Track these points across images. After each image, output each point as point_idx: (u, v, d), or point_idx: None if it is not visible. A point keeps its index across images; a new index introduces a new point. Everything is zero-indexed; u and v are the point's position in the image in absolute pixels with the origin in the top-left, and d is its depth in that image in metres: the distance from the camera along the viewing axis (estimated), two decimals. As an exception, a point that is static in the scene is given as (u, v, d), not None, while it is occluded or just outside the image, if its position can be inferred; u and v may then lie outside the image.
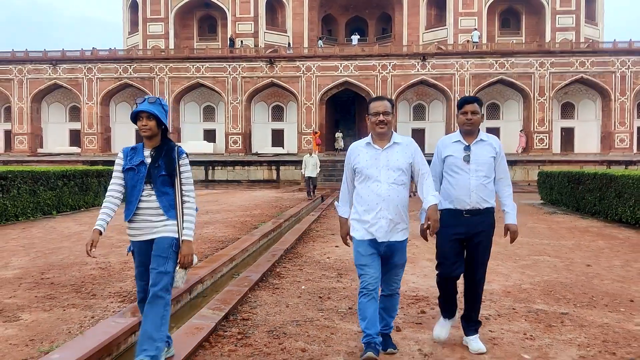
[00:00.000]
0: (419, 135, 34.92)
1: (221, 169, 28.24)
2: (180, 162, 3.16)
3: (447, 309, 3.68)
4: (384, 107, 3.39)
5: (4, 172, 10.58)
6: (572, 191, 13.14)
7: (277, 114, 36.14)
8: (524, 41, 38.06)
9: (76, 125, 35.95)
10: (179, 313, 4.39)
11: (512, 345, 3.62)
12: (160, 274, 3.01)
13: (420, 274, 5.86)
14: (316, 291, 5.09)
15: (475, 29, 36.26)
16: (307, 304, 4.60)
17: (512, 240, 3.60)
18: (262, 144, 34.76)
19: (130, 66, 34.30)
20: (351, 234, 3.44)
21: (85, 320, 3.97)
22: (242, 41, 37.55)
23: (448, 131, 32.06)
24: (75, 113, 36.48)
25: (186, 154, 3.24)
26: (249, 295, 4.83)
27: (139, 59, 34.71)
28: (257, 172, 28.19)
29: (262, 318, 4.20)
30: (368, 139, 3.46)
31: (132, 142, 34.77)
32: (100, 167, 16.03)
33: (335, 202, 3.44)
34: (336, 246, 7.73)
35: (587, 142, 33.92)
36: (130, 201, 3.11)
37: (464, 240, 3.54)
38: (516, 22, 40.33)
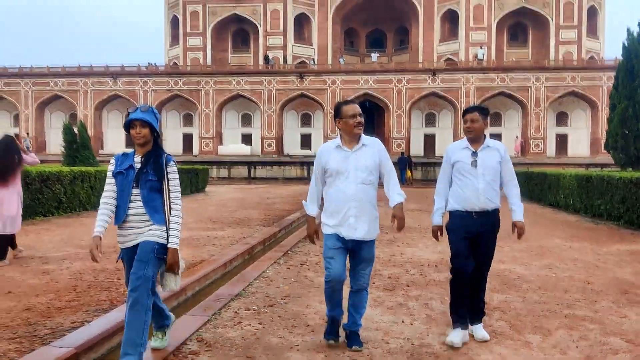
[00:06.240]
0: (430, 140, 40.05)
1: (261, 168, 33.72)
2: (168, 170, 3.20)
3: (460, 312, 3.72)
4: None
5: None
6: (528, 185, 18.10)
7: (306, 120, 41.57)
8: (530, 54, 42.42)
9: (132, 130, 41.68)
10: (281, 237, 9.63)
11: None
12: (140, 278, 3.03)
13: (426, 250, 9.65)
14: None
15: (481, 47, 40.78)
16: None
17: (520, 236, 3.82)
18: (292, 147, 39.96)
19: (180, 79, 39.96)
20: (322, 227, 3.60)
21: (251, 231, 9.27)
22: (270, 57, 42.52)
23: (456, 137, 36.94)
24: (131, 119, 42.18)
25: (174, 161, 3.29)
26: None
27: (188, 73, 40.42)
28: (291, 170, 33.55)
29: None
30: (337, 141, 3.58)
31: (179, 146, 40.74)
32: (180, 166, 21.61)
33: (303, 202, 3.73)
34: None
35: (579, 147, 38.30)
36: (120, 205, 3.18)
37: (473, 239, 3.74)
38: (523, 36, 44.24)
